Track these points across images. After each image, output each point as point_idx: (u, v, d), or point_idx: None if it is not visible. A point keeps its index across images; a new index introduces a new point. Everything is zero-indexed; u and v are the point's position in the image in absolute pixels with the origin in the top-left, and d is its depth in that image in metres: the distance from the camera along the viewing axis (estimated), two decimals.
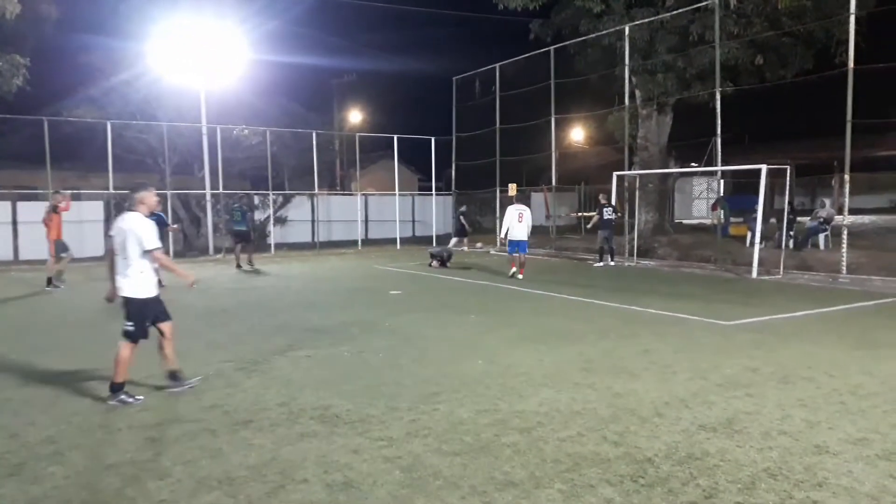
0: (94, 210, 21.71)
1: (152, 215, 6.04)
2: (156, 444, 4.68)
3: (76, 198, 22.27)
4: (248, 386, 6.15)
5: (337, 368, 6.81)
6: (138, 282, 5.70)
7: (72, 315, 10.58)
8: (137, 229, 5.63)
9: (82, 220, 21.05)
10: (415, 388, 5.97)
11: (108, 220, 21.58)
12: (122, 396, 5.65)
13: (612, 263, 17.20)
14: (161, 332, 5.97)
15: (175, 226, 17.30)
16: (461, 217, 22.50)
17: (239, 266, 17.04)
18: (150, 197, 5.90)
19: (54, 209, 13.45)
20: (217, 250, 22.30)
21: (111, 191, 21.14)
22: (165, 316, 5.99)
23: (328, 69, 38.00)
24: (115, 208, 22.05)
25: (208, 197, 22.89)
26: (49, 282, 13.49)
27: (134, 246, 5.61)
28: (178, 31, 21.00)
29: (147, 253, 5.64)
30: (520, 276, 14.56)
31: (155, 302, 5.87)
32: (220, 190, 23.13)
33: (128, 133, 22.54)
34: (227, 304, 11.40)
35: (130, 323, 5.74)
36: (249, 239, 17.43)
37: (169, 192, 22.26)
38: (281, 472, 4.18)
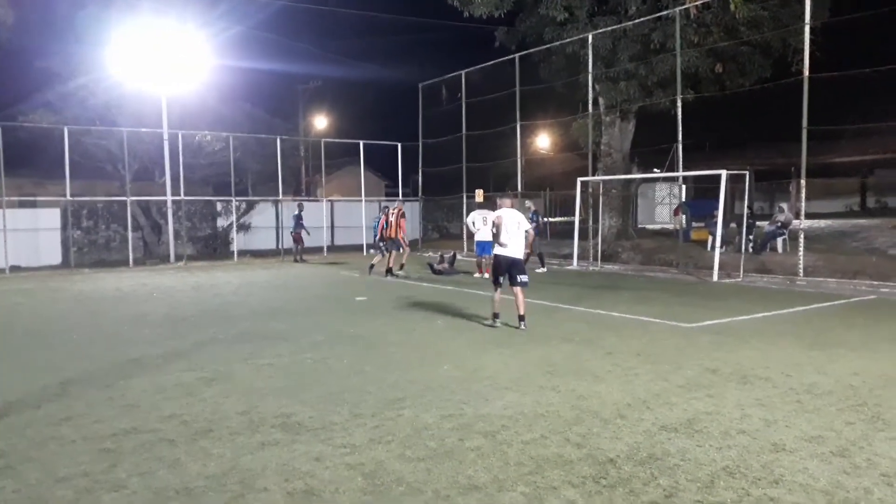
0: (50, 218, 21.18)
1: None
2: (111, 456, 4.56)
3: (31, 205, 21.79)
4: (208, 395, 6.04)
5: (300, 376, 6.73)
6: (521, 248, 9.03)
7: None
8: (521, 217, 9.06)
9: (38, 228, 20.57)
10: (379, 394, 5.93)
11: (66, 229, 21.15)
12: (524, 325, 8.89)
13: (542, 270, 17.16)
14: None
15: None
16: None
17: None
18: (506, 201, 9.39)
19: (402, 214, 16.41)
20: (178, 258, 21.94)
21: (68, 198, 20.66)
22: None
23: (294, 75, 37.76)
24: (73, 216, 21.60)
25: (169, 204, 22.52)
26: (388, 272, 16.21)
27: (518, 226, 8.94)
28: (140, 36, 20.64)
29: (526, 232, 9.12)
30: (486, 276, 14.66)
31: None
32: (182, 196, 22.78)
33: (86, 139, 22.06)
34: (187, 313, 11.20)
35: (526, 276, 8.94)
36: None
37: (129, 199, 21.85)
38: (241, 481, 4.10)
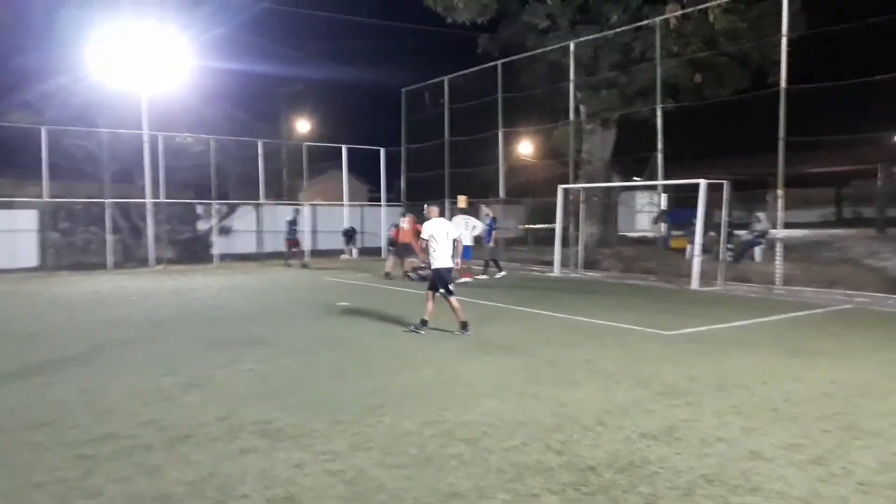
0: (28, 220, 20.84)
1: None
2: (87, 462, 4.50)
3: (8, 206, 21.45)
4: (187, 400, 5.98)
5: (280, 381, 6.69)
6: (450, 257, 9.12)
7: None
8: (449, 226, 9.19)
9: (15, 229, 20.25)
10: (360, 401, 5.91)
11: (43, 231, 20.84)
12: (469, 332, 8.85)
13: (500, 274, 17.07)
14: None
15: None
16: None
17: None
18: (433, 209, 9.39)
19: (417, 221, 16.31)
20: (158, 261, 21.70)
21: (46, 199, 20.37)
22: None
23: (275, 77, 37.42)
24: (51, 218, 21.29)
25: (149, 206, 22.27)
26: (407, 274, 16.89)
27: (447, 236, 9.04)
28: (120, 36, 20.46)
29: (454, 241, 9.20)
30: (469, 280, 15.03)
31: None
32: (162, 199, 22.55)
33: (66, 140, 21.80)
34: (166, 317, 11.09)
35: (453, 285, 9.10)
36: None
37: (107, 201, 21.58)
38: (220, 488, 4.07)
